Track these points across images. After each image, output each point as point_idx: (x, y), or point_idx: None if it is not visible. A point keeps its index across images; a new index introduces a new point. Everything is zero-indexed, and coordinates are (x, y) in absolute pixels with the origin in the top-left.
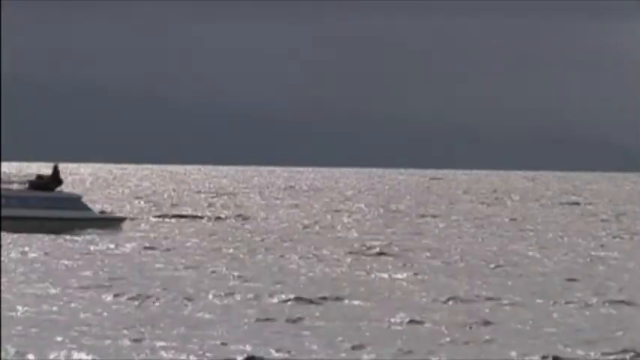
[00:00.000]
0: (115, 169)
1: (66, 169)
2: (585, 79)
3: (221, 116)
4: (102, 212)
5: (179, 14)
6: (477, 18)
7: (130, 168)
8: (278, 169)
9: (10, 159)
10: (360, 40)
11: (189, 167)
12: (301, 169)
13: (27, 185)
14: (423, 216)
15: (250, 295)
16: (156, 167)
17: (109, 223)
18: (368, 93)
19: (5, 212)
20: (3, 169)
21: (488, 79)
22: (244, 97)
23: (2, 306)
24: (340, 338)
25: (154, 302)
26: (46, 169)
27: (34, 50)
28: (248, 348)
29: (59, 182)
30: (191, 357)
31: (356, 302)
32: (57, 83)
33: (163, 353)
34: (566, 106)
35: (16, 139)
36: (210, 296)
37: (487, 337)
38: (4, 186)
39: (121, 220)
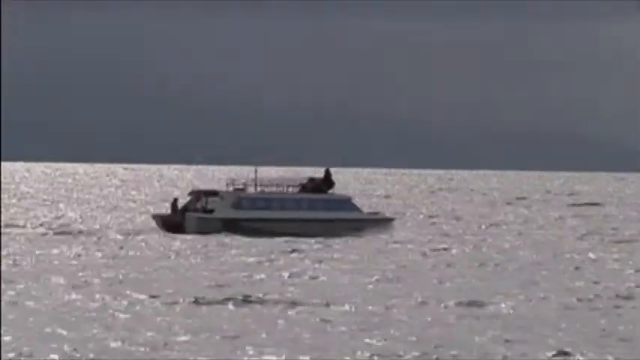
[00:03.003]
0: (120, 168)
1: (63, 168)
2: (585, 79)
3: (220, 115)
4: (372, 213)
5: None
6: (476, 18)
7: (143, 168)
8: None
9: (10, 159)
10: (360, 39)
11: (179, 166)
12: (300, 169)
13: (299, 188)
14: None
15: None
16: (160, 167)
17: (380, 223)
18: (368, 93)
19: (280, 214)
20: (266, 174)
21: (488, 79)
22: (244, 96)
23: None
24: None
25: None
26: (309, 173)
27: (34, 50)
28: None
29: (331, 185)
30: None
31: None
32: (58, 83)
33: None
34: (566, 106)
35: (16, 138)
36: None
37: None
38: (278, 189)
39: (391, 220)
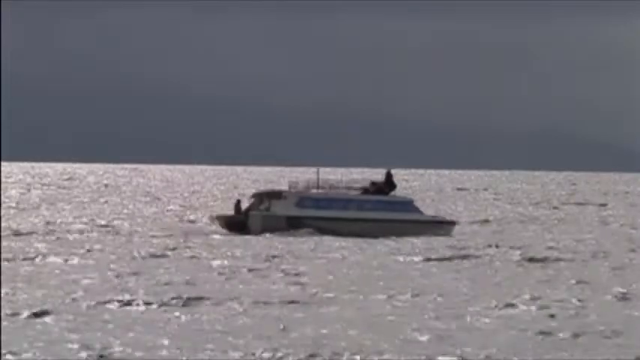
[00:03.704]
0: (119, 169)
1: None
2: (585, 79)
3: (220, 114)
4: (433, 216)
5: (179, 13)
6: (476, 19)
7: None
8: (281, 169)
9: (10, 159)
10: (359, 40)
11: (178, 167)
12: (301, 169)
13: (362, 191)
14: None
15: None
16: (162, 167)
17: (441, 226)
18: (368, 93)
19: (343, 214)
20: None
21: (487, 79)
22: (244, 95)
23: None
24: None
25: None
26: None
27: (34, 50)
28: None
29: (393, 187)
30: None
31: None
32: (57, 83)
33: None
34: (566, 106)
35: (16, 139)
36: None
37: None
38: (341, 191)
39: (452, 224)
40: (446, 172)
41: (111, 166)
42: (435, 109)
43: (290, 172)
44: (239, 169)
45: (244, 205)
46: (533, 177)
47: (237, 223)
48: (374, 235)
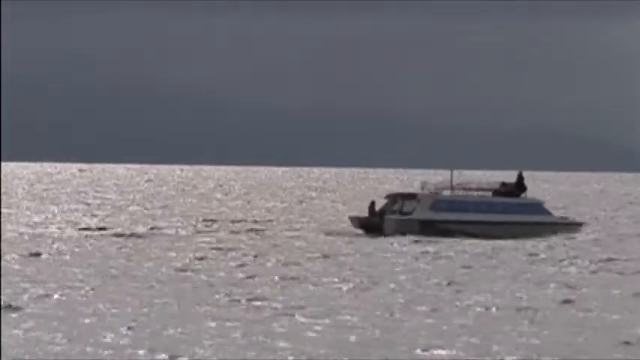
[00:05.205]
0: (122, 169)
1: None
2: (585, 79)
3: (220, 113)
4: (562, 217)
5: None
6: (476, 19)
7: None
8: (284, 169)
9: (10, 159)
10: (360, 39)
11: (174, 167)
12: (299, 169)
13: (492, 192)
14: None
15: None
16: (162, 167)
17: (570, 227)
18: (367, 92)
19: (475, 217)
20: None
21: (488, 79)
22: (245, 95)
23: None
24: None
25: None
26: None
27: (34, 50)
28: None
29: (523, 189)
30: None
31: None
32: (57, 83)
33: None
34: (566, 106)
35: (16, 139)
36: None
37: None
38: (470, 193)
39: (580, 225)
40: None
41: (111, 166)
42: (436, 109)
43: (290, 173)
44: (239, 169)
45: (378, 206)
46: (532, 177)
47: (372, 226)
48: (505, 237)
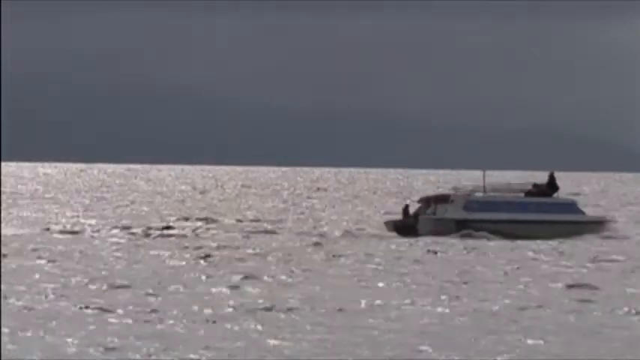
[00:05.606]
0: (120, 169)
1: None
2: (585, 79)
3: (220, 113)
4: (596, 217)
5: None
6: (476, 19)
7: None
8: (282, 169)
9: (10, 159)
10: (359, 39)
11: (174, 167)
12: (299, 169)
13: (525, 193)
14: None
15: None
16: (163, 167)
17: (603, 226)
18: (367, 92)
19: (508, 216)
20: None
21: (488, 79)
22: (244, 95)
23: None
24: None
25: None
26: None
27: (34, 50)
28: None
29: (556, 189)
30: None
31: None
32: (57, 83)
33: None
34: (566, 106)
35: (16, 139)
36: None
37: None
38: (503, 193)
39: (614, 223)
40: (447, 172)
41: (111, 166)
42: (436, 109)
43: (291, 173)
44: (239, 169)
45: (412, 210)
46: (533, 177)
47: (407, 227)
48: (538, 237)
